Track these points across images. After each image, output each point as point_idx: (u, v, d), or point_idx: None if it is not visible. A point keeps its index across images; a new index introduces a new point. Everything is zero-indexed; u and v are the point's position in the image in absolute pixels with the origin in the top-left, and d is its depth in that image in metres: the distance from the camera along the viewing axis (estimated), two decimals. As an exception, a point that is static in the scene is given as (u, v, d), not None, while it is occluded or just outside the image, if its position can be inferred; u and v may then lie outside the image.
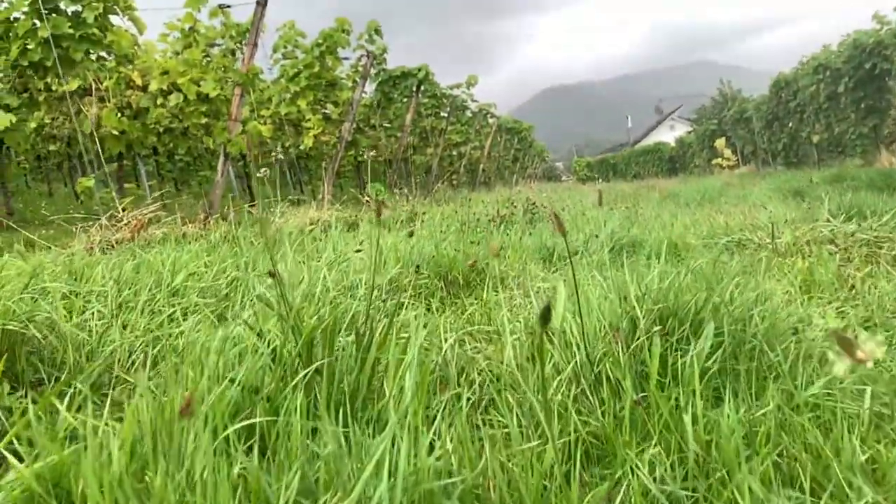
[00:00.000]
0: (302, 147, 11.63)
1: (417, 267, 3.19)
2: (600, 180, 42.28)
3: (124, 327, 2.24)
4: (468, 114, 21.10)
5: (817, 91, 18.44)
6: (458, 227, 6.89)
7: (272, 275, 1.65)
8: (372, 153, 15.08)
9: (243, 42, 11.74)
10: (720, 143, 31.65)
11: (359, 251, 3.78)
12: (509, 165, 31.62)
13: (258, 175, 5.14)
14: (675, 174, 40.80)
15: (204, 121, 8.18)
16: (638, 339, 1.73)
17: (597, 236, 4.42)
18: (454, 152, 21.02)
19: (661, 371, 1.60)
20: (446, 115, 17.85)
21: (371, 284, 1.94)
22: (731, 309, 1.89)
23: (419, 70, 14.32)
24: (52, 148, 12.63)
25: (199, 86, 8.07)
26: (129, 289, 2.57)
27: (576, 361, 1.65)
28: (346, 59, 11.36)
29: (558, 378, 1.60)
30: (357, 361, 1.48)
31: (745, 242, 4.74)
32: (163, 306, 2.43)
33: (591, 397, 1.54)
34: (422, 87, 14.98)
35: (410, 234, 3.93)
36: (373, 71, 14.59)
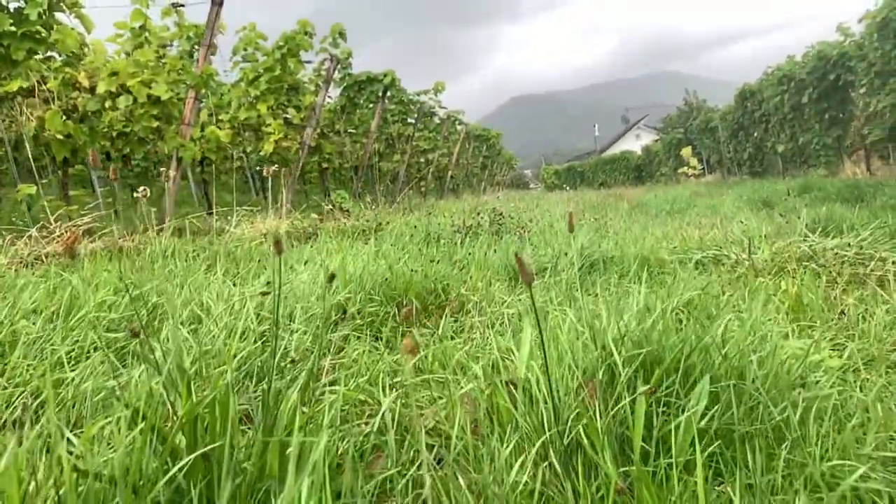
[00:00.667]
0: (262, 153, 11.21)
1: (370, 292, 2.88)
2: (567, 188, 42.33)
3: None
4: (436, 120, 20.84)
5: (782, 101, 18.57)
6: (422, 238, 6.59)
7: (135, 334, 1.32)
8: (337, 160, 14.73)
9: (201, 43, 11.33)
10: (686, 151, 31.88)
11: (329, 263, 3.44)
12: (478, 173, 31.44)
13: (169, 185, 4.78)
14: (642, 182, 41.08)
15: (155, 125, 7.75)
16: (617, 392, 1.44)
17: (566, 254, 4.15)
18: (422, 159, 20.72)
19: (646, 435, 1.32)
20: (413, 121, 17.55)
21: (319, 313, 1.62)
22: (725, 352, 1.61)
23: (385, 76, 14.01)
24: (-3, 152, 12.01)
25: (150, 88, 7.64)
26: (29, 318, 2.21)
27: (544, 426, 1.36)
28: (308, 62, 11.01)
29: (521, 457, 1.29)
30: (256, 446, 1.17)
31: (720, 258, 4.51)
32: (59, 343, 2.07)
33: (562, 480, 1.24)
34: (388, 93, 14.67)
35: (376, 254, 3.60)
36: (338, 76, 14.25)
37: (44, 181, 18.24)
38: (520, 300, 2.98)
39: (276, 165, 11.79)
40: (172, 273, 3.31)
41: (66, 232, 4.77)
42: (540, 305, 2.80)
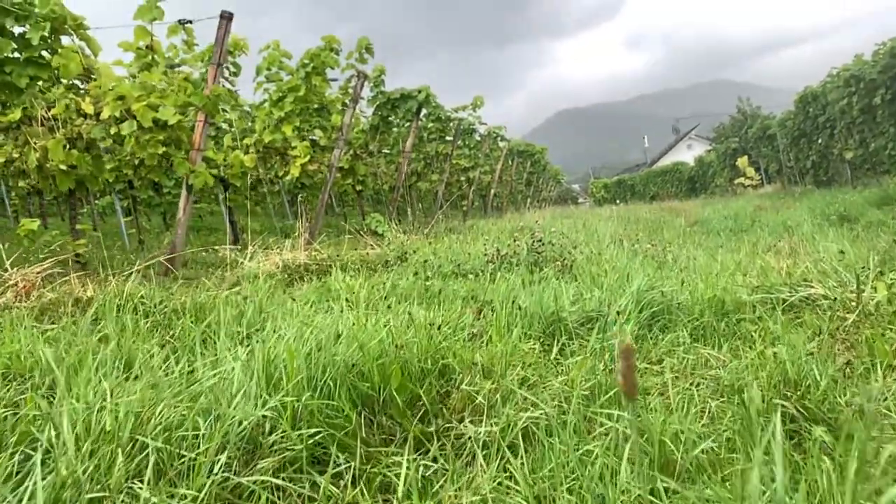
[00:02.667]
0: (288, 178, 10.61)
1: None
2: (618, 202, 40.98)
3: None
4: (476, 137, 20.07)
5: (850, 104, 17.18)
6: (447, 272, 5.76)
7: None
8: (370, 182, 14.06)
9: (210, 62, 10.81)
10: (743, 161, 30.39)
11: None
12: (522, 189, 30.52)
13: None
14: (696, 194, 39.47)
15: (162, 150, 7.16)
16: None
17: (614, 305, 3.24)
18: (462, 178, 19.95)
19: None
20: (452, 139, 16.81)
21: None
22: None
23: (419, 91, 13.31)
24: (21, 183, 11.74)
25: (156, 112, 7.07)
26: None
27: None
28: (334, 80, 10.37)
29: None
30: None
31: (815, 300, 3.54)
32: None
33: None
34: (423, 111, 13.96)
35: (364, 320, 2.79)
36: (369, 94, 13.63)
37: (83, 211, 18.13)
38: (558, 388, 2.11)
39: (302, 191, 11.18)
40: (78, 349, 2.55)
41: (21, 280, 4.12)
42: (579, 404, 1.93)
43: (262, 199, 24.95)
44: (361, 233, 10.35)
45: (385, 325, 2.56)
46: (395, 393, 1.94)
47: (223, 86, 11.30)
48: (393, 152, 14.38)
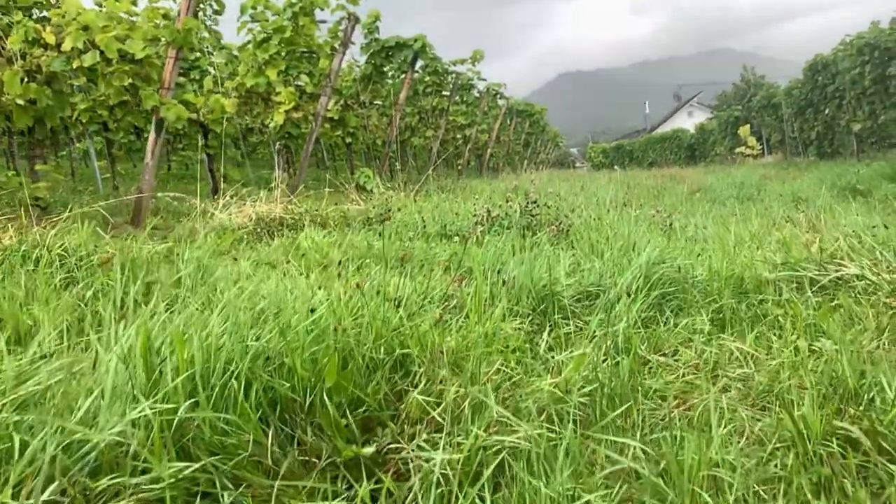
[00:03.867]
0: (272, 125, 10.00)
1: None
2: (616, 168, 40.34)
3: None
4: (475, 94, 19.33)
5: (861, 74, 16.53)
6: (432, 233, 5.26)
7: None
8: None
9: (204, 0, 10.12)
10: (744, 130, 29.74)
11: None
12: (520, 151, 29.84)
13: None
14: (695, 162, 38.84)
15: (128, 82, 6.56)
16: None
17: (618, 279, 2.75)
18: (458, 135, 19.28)
19: None
20: (449, 93, 16.12)
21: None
22: None
23: (415, 40, 12.62)
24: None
25: (123, 44, 6.46)
26: None
27: None
28: (323, 22, 9.69)
29: None
30: None
31: (847, 280, 3.07)
32: None
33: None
34: (419, 62, 13.28)
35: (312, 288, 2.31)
36: (363, 41, 12.92)
37: (62, 154, 17.44)
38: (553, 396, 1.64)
39: (290, 141, 10.59)
40: None
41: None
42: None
43: (253, 149, 24.23)
44: (348, 187, 9.80)
45: (331, 300, 2.06)
46: (326, 395, 1.45)
47: (206, 24, 10.63)
48: (386, 104, 13.73)
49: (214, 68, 10.21)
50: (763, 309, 2.69)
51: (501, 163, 26.61)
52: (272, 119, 9.90)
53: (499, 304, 2.47)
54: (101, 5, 6.78)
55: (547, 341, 2.21)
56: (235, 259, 2.84)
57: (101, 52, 6.43)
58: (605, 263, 3.12)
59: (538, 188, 11.49)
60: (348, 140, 13.33)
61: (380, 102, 13.70)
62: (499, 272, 2.99)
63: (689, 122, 54.07)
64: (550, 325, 2.47)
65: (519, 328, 2.33)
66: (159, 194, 9.84)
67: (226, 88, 9.92)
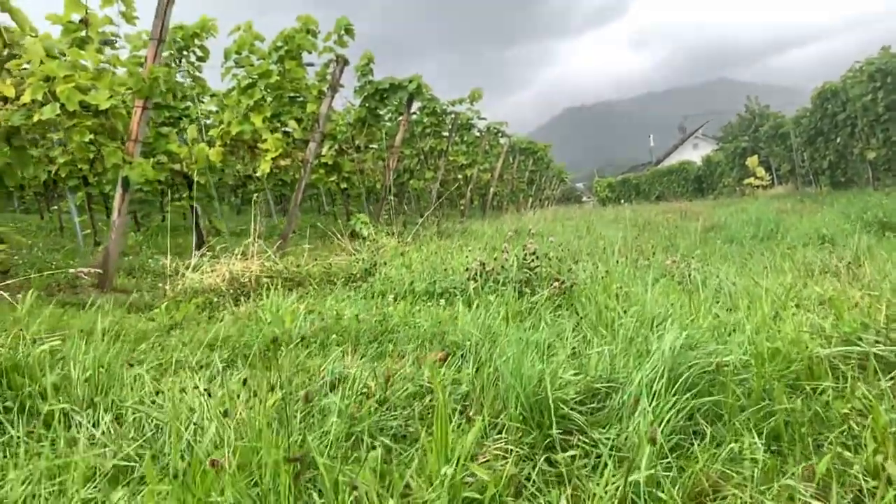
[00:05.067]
0: (259, 174, 9.51)
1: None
2: (623, 202, 39.78)
3: None
4: (475, 133, 18.94)
5: (874, 100, 16.01)
6: (420, 289, 4.67)
7: None
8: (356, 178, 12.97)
9: (188, 47, 9.74)
10: (753, 161, 29.24)
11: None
12: (524, 188, 29.38)
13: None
14: (703, 194, 38.30)
15: (88, 138, 6.07)
16: None
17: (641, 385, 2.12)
18: (459, 175, 18.84)
19: None
20: (448, 134, 15.69)
21: None
22: None
23: (410, 81, 12.19)
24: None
25: (86, 94, 5.99)
26: None
27: None
28: (310, 65, 9.27)
29: None
30: None
31: (922, 356, 2.44)
32: None
33: None
34: (415, 103, 12.85)
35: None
36: (356, 84, 12.52)
37: (54, 209, 17.01)
38: None
39: (283, 189, 10.10)
40: None
41: None
42: None
43: (250, 198, 23.87)
44: (340, 236, 9.25)
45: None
46: None
47: (188, 71, 10.23)
48: (382, 148, 13.28)
49: (198, 116, 9.76)
50: (825, 408, 2.06)
51: (506, 201, 26.13)
52: (258, 167, 9.41)
53: (478, 417, 1.85)
54: (64, 54, 6.33)
55: (539, 480, 1.60)
56: (131, 365, 2.25)
57: (62, 105, 5.95)
58: (616, 343, 2.51)
59: (541, 231, 10.91)
60: (343, 185, 12.85)
61: (375, 146, 13.24)
62: (477, 369, 2.37)
63: (694, 153, 53.70)
64: (546, 445, 1.85)
65: (498, 462, 1.71)
66: (134, 254, 9.33)
67: (210, 137, 9.46)
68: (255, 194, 8.51)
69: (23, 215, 23.29)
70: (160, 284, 6.33)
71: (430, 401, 2.38)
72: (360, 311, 3.84)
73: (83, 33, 6.34)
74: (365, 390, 2.40)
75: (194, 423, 1.73)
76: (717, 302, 3.71)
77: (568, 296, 4.19)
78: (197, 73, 9.94)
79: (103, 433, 1.77)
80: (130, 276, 7.34)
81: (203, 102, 11.51)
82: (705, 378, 2.13)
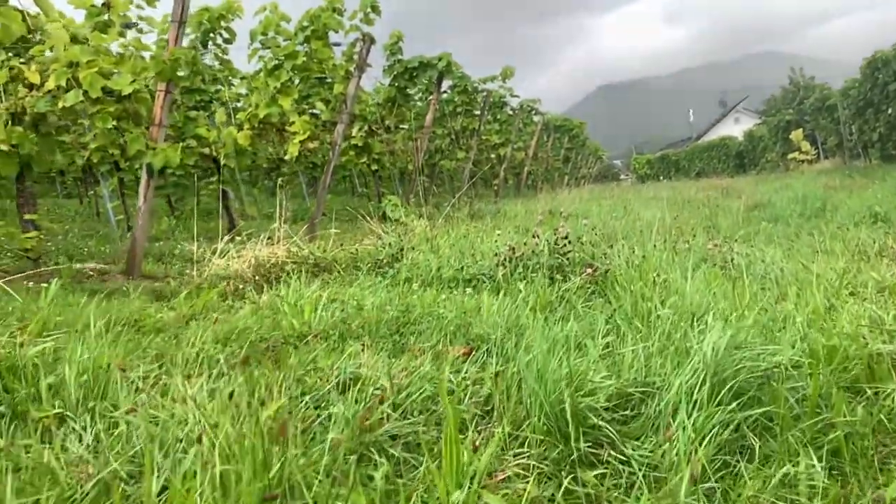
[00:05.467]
0: (287, 157, 9.40)
1: None
2: (662, 179, 38.96)
3: None
4: (508, 111, 18.59)
5: (930, 69, 15.21)
6: (448, 276, 4.50)
7: None
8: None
9: (214, 30, 9.63)
10: (797, 135, 28.29)
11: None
12: (559, 167, 28.89)
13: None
14: (744, 170, 37.28)
15: (111, 124, 5.98)
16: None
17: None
18: (493, 155, 18.54)
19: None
20: (479, 112, 15.40)
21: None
22: None
23: (440, 59, 11.93)
24: None
25: (108, 79, 5.91)
26: None
27: None
28: (337, 45, 9.09)
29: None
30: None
31: None
32: None
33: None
34: (445, 82, 12.59)
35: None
36: (385, 63, 12.32)
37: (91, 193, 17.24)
38: None
39: (314, 171, 9.99)
40: None
41: None
42: None
43: (288, 180, 23.89)
44: (370, 219, 9.11)
45: None
46: None
47: (216, 54, 10.14)
48: (412, 128, 13.08)
49: (226, 100, 9.68)
50: (890, 415, 1.82)
51: (540, 180, 25.73)
52: (286, 150, 9.30)
53: (498, 429, 1.67)
54: (87, 39, 6.24)
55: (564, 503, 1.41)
56: (123, 370, 2.12)
57: (85, 91, 5.87)
58: (653, 340, 2.29)
59: (576, 211, 10.62)
60: (374, 167, 12.70)
61: (406, 126, 13.04)
62: (501, 369, 2.18)
63: (735, 128, 52.25)
64: (573, 460, 1.66)
65: (518, 482, 1.52)
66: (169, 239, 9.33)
67: (239, 120, 9.37)
68: (280, 178, 8.38)
69: (64, 200, 23.74)
70: (187, 271, 6.28)
71: (449, 403, 2.20)
72: (382, 300, 3.67)
73: (105, 17, 6.25)
74: (379, 392, 2.23)
75: (180, 441, 1.59)
76: (763, 289, 3.45)
77: (602, 283, 3.97)
78: (224, 56, 9.84)
79: (88, 447, 1.63)
80: (160, 262, 7.31)
81: (233, 86, 11.45)
82: (753, 383, 1.90)
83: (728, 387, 1.79)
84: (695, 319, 2.44)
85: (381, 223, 9.58)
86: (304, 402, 2.06)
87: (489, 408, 2.10)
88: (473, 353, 2.86)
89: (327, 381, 2.34)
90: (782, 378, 1.91)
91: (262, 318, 3.50)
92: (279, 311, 3.58)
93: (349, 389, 2.24)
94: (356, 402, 2.02)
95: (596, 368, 2.05)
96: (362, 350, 2.93)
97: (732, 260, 4.07)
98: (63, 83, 5.98)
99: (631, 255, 4.30)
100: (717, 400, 1.76)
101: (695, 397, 1.76)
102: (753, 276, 3.61)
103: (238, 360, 2.87)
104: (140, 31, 7.37)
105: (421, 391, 2.24)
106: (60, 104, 6.12)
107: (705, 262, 4.14)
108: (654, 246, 4.37)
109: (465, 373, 2.50)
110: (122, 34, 6.23)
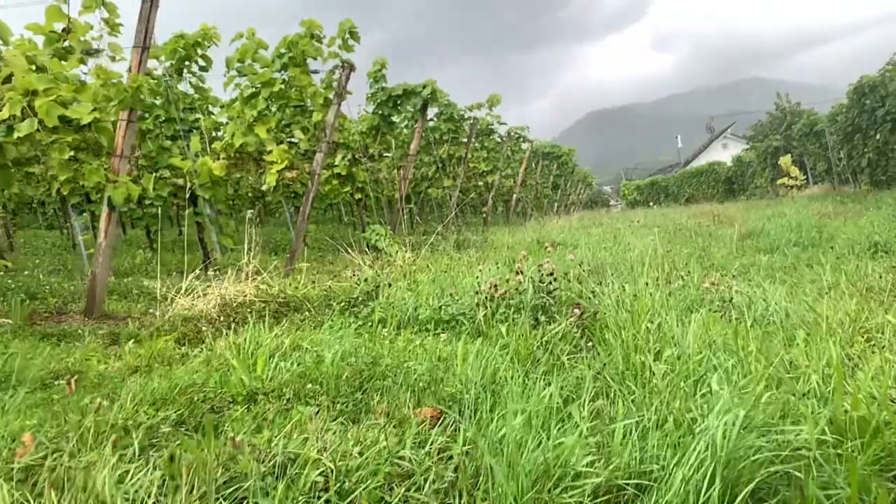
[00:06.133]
0: (265, 187, 9.07)
1: None
2: (652, 205, 38.82)
3: None
4: (496, 138, 18.38)
5: (917, 94, 15.13)
6: (424, 317, 4.15)
7: None
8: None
9: (190, 57, 9.34)
10: (786, 160, 28.24)
11: None
12: (549, 194, 28.70)
13: None
14: (734, 196, 37.22)
15: (67, 156, 5.62)
16: None
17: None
18: (480, 182, 18.28)
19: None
20: (467, 140, 15.16)
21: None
22: None
23: (424, 87, 11.69)
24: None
25: (66, 108, 5.57)
26: None
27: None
28: (315, 73, 8.81)
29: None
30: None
31: None
32: None
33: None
34: (431, 109, 12.34)
35: None
36: (368, 91, 12.06)
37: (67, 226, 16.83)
38: None
39: (296, 200, 9.64)
40: None
41: None
42: None
43: (273, 209, 23.44)
44: (350, 250, 8.76)
45: None
46: None
47: (190, 81, 9.84)
48: (397, 156, 12.80)
49: (200, 128, 9.37)
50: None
51: (530, 207, 25.50)
52: (264, 181, 8.97)
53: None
54: (44, 68, 5.91)
55: None
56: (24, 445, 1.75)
57: (41, 120, 5.53)
58: (649, 408, 1.94)
59: (564, 239, 10.30)
60: (358, 196, 12.38)
61: (390, 154, 12.76)
62: (465, 453, 1.82)
63: (724, 154, 52.42)
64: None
65: None
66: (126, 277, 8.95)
67: (214, 149, 9.04)
68: (250, 210, 8.04)
69: (45, 231, 23.25)
70: (150, 310, 5.89)
71: (406, 490, 1.84)
72: (347, 349, 3.31)
73: (65, 43, 5.94)
74: (322, 476, 1.87)
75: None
76: (767, 333, 3.12)
77: (590, 326, 3.62)
78: (201, 84, 9.54)
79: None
80: (126, 300, 6.91)
81: (213, 114, 11.14)
82: (773, 483, 1.55)
83: (744, 480, 1.44)
84: (697, 385, 2.08)
85: (366, 254, 9.24)
86: (228, 495, 1.69)
87: (453, 500, 1.73)
88: (443, 416, 2.50)
89: (263, 460, 1.97)
90: (810, 469, 1.56)
91: (212, 372, 3.13)
92: (228, 367, 3.21)
93: (286, 473, 1.87)
94: (288, 498, 1.65)
95: (581, 449, 1.70)
96: (316, 413, 2.57)
97: (731, 300, 3.75)
98: (18, 112, 5.65)
99: (621, 294, 3.96)
100: (729, 492, 1.41)
101: (702, 499, 1.41)
102: (755, 319, 3.28)
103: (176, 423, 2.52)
104: (112, 59, 7.07)
105: (375, 474, 1.87)
106: (16, 135, 5.78)
107: (702, 302, 3.81)
108: (647, 284, 4.03)
109: (431, 444, 2.14)
110: (82, 61, 5.91)
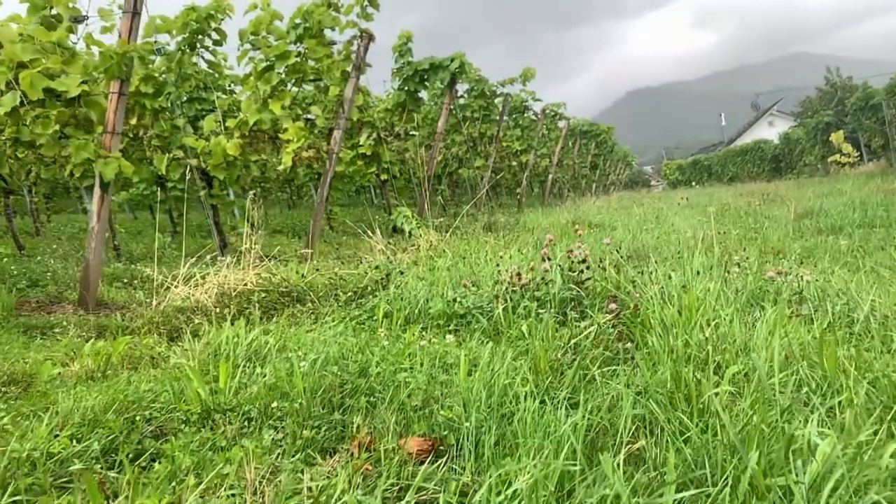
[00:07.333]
0: (280, 167, 8.58)
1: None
2: (694, 184, 37.50)
3: None
4: (530, 116, 17.59)
5: None
6: (436, 311, 3.59)
7: None
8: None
9: (203, 31, 8.86)
10: (837, 136, 26.83)
11: None
12: (587, 174, 27.77)
13: None
14: (780, 175, 35.69)
15: (52, 130, 5.16)
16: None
17: None
18: (514, 162, 17.56)
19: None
20: (499, 118, 14.46)
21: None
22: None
23: (451, 60, 11.03)
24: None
25: (52, 80, 5.13)
26: None
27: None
28: (332, 44, 8.24)
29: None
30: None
31: None
32: None
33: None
34: (458, 83, 11.67)
35: None
36: (394, 65, 11.46)
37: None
38: None
39: (254, 189, 9.13)
40: None
41: None
42: None
43: (298, 191, 22.99)
44: (371, 233, 8.23)
45: None
46: None
47: (203, 56, 9.37)
48: (424, 134, 12.20)
49: (215, 106, 8.90)
50: None
51: (567, 188, 24.66)
52: (280, 161, 8.47)
53: None
54: (31, 36, 5.45)
55: None
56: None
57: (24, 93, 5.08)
58: (712, 457, 1.35)
59: (601, 221, 9.60)
60: (384, 177, 11.83)
61: (417, 133, 12.16)
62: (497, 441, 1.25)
63: (770, 131, 50.45)
64: None
65: None
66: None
67: (228, 128, 8.57)
68: (252, 192, 7.53)
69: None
70: (147, 299, 5.44)
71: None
72: (332, 354, 2.75)
73: (52, 11, 5.47)
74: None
75: None
76: (857, 335, 2.46)
77: (630, 323, 3.00)
78: (215, 59, 9.05)
79: None
80: (129, 286, 6.49)
81: (235, 92, 10.68)
82: None
83: None
84: (780, 424, 1.47)
85: (390, 237, 8.71)
86: None
87: None
88: (437, 448, 1.94)
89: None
90: None
91: (170, 382, 2.60)
92: (185, 376, 2.67)
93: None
94: None
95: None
96: (284, 438, 2.03)
97: (801, 292, 3.08)
98: (2, 86, 5.21)
99: (667, 284, 3.32)
100: None
101: None
102: (835, 317, 2.62)
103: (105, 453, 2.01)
104: (107, 30, 6.59)
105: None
106: (1, 111, 5.34)
107: (764, 295, 3.16)
108: (698, 273, 3.39)
109: (411, 495, 1.58)
110: (71, 29, 5.43)
